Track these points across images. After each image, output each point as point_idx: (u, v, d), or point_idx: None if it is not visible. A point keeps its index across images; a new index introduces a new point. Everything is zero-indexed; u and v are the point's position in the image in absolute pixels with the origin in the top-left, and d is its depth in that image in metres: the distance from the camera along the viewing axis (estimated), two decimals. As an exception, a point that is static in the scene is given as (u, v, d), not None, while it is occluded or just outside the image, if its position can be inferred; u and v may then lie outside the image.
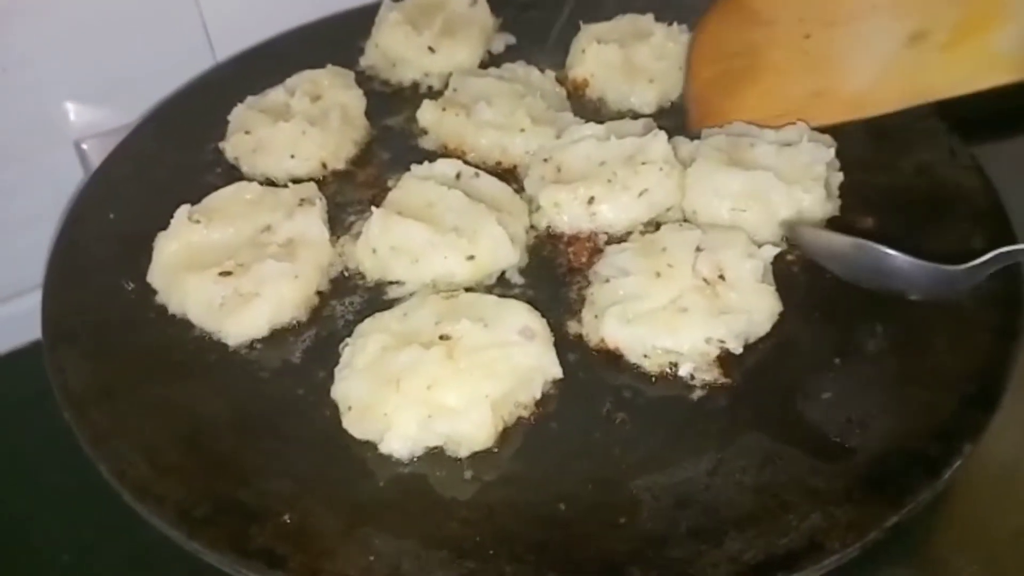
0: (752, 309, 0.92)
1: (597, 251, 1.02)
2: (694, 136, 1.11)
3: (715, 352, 0.91)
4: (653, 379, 0.91)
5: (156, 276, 0.99)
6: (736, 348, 0.91)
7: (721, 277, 0.94)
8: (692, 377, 0.90)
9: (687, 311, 0.91)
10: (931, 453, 0.82)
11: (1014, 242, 0.98)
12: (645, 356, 0.91)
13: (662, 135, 1.06)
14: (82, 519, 1.00)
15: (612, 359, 0.92)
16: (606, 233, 1.04)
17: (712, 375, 0.90)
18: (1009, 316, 0.93)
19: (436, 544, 0.78)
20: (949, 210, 1.05)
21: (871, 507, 0.78)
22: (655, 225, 1.03)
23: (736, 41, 1.15)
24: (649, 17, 1.28)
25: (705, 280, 0.93)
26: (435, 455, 0.85)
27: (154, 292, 1.00)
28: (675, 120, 1.17)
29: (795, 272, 1.00)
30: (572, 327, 0.96)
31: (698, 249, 0.95)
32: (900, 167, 1.10)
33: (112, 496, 0.83)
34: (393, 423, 0.84)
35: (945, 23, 1.06)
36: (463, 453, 0.84)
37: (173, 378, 0.93)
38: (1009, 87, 1.01)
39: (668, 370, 0.91)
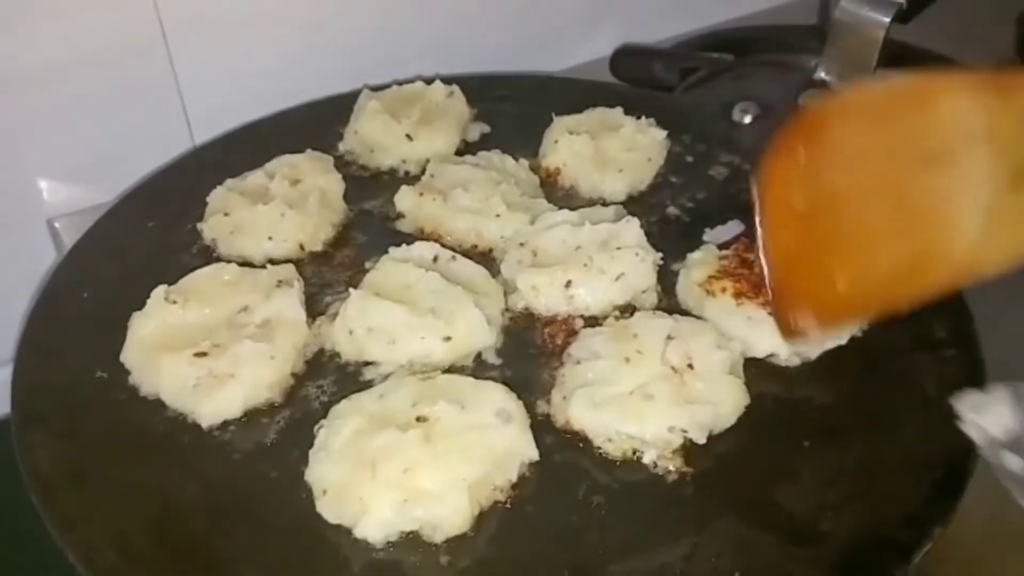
0: (718, 400, 0.93)
1: (572, 333, 1.04)
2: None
3: (678, 441, 0.91)
4: (617, 463, 0.91)
5: (130, 356, 0.99)
6: (699, 439, 0.91)
7: (690, 366, 0.95)
8: (655, 465, 0.90)
9: (652, 398, 0.92)
10: (902, 538, 0.83)
11: (975, 333, 1.02)
12: (609, 440, 0.92)
13: (635, 221, 1.10)
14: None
15: (577, 441, 0.93)
16: (582, 316, 1.06)
17: (675, 463, 0.90)
18: (972, 403, 0.96)
19: (411, 632, 0.77)
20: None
21: (845, 593, 0.79)
22: (631, 310, 1.05)
23: (813, 190, 0.88)
24: (618, 110, 1.33)
25: (673, 368, 0.94)
26: (410, 540, 0.84)
27: (127, 372, 0.99)
28: (643, 208, 1.20)
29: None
30: (543, 407, 0.97)
31: (669, 337, 0.96)
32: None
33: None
34: (369, 507, 0.83)
35: None
36: (439, 538, 0.84)
37: (145, 460, 0.91)
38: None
39: (631, 456, 0.91)
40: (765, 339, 1.02)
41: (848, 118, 0.89)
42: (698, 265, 1.12)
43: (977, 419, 0.87)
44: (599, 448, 0.92)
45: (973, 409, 0.89)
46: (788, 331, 0.92)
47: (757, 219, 0.90)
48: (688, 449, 0.91)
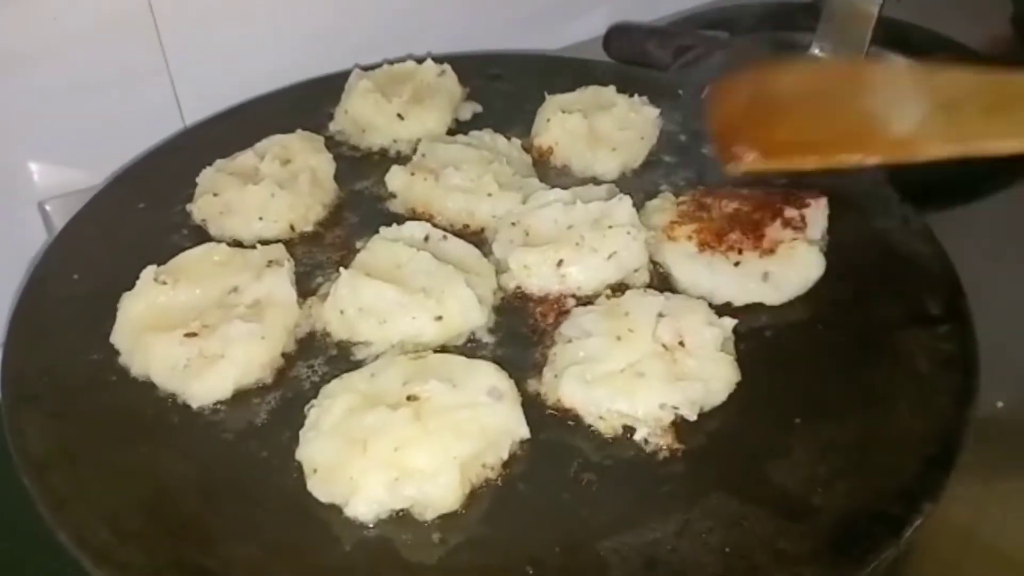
0: (709, 377, 0.93)
1: (564, 312, 1.04)
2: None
3: (669, 418, 0.91)
4: (609, 441, 0.91)
5: (120, 337, 0.98)
6: (690, 415, 0.91)
7: (681, 344, 0.95)
8: (646, 442, 0.90)
9: (644, 376, 0.92)
10: (893, 512, 0.83)
11: (968, 310, 1.02)
12: (600, 418, 0.92)
13: (627, 199, 1.09)
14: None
15: (569, 419, 0.93)
16: (574, 296, 1.05)
17: (666, 440, 0.90)
18: (965, 379, 0.96)
19: (403, 609, 0.77)
20: (902, 276, 1.09)
21: (836, 567, 0.79)
22: (623, 288, 1.05)
23: (755, 95, 1.06)
24: (611, 89, 1.32)
25: (664, 346, 0.94)
26: (401, 518, 0.84)
27: (117, 353, 0.99)
28: (636, 186, 1.20)
29: (764, 335, 1.02)
30: (535, 386, 0.96)
31: (660, 315, 0.96)
32: (854, 234, 1.13)
33: (72, 564, 0.81)
34: (359, 486, 0.83)
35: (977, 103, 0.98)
36: (430, 516, 0.84)
37: (135, 441, 0.91)
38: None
39: (622, 433, 0.91)
40: (725, 287, 1.05)
41: (784, 72, 1.09)
42: (656, 211, 1.14)
43: None
44: (590, 426, 0.92)
45: None
46: (728, 158, 0.98)
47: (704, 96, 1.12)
48: (679, 426, 0.91)
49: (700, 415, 0.92)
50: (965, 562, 0.90)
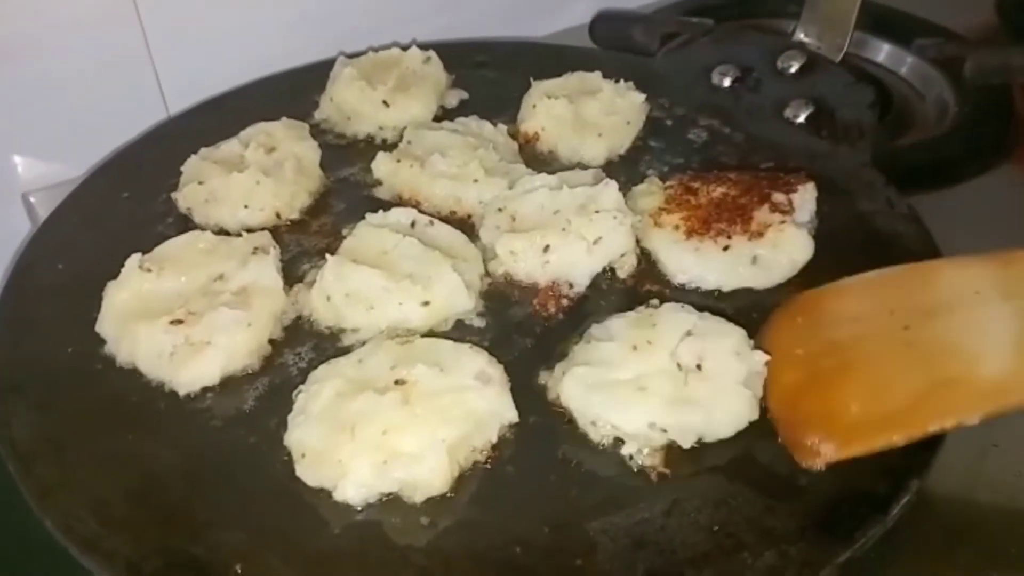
0: (717, 408, 0.88)
1: (562, 298, 1.04)
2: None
3: (661, 440, 0.87)
4: (597, 449, 0.88)
5: (105, 325, 0.98)
6: (683, 442, 0.87)
7: (699, 367, 0.90)
8: (631, 458, 0.87)
9: (645, 391, 0.88)
10: (879, 491, 0.83)
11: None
12: (592, 424, 0.89)
13: (613, 184, 1.09)
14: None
15: (565, 419, 0.91)
16: (568, 283, 1.05)
17: (653, 461, 0.87)
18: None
19: (392, 592, 0.77)
20: (888, 257, 1.09)
21: (824, 544, 0.79)
22: (610, 271, 1.06)
23: (815, 343, 0.93)
24: (597, 74, 1.32)
25: (679, 365, 0.90)
26: (390, 502, 0.84)
27: (103, 342, 0.98)
28: (622, 172, 1.20)
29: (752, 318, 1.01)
30: (525, 372, 0.96)
31: (688, 333, 0.91)
32: (839, 217, 1.13)
33: (60, 554, 0.81)
34: (348, 470, 0.83)
35: None
36: (419, 499, 0.84)
37: (122, 429, 0.91)
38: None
39: (611, 444, 0.88)
40: (714, 272, 1.04)
41: (843, 292, 0.98)
42: (643, 196, 1.13)
43: None
44: (582, 430, 0.90)
45: None
46: (806, 457, 0.86)
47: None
48: (672, 451, 0.87)
49: (701, 445, 0.87)
50: (953, 540, 0.91)
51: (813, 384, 0.91)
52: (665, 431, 0.87)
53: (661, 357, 0.90)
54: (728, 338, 0.92)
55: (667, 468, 0.86)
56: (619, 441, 0.89)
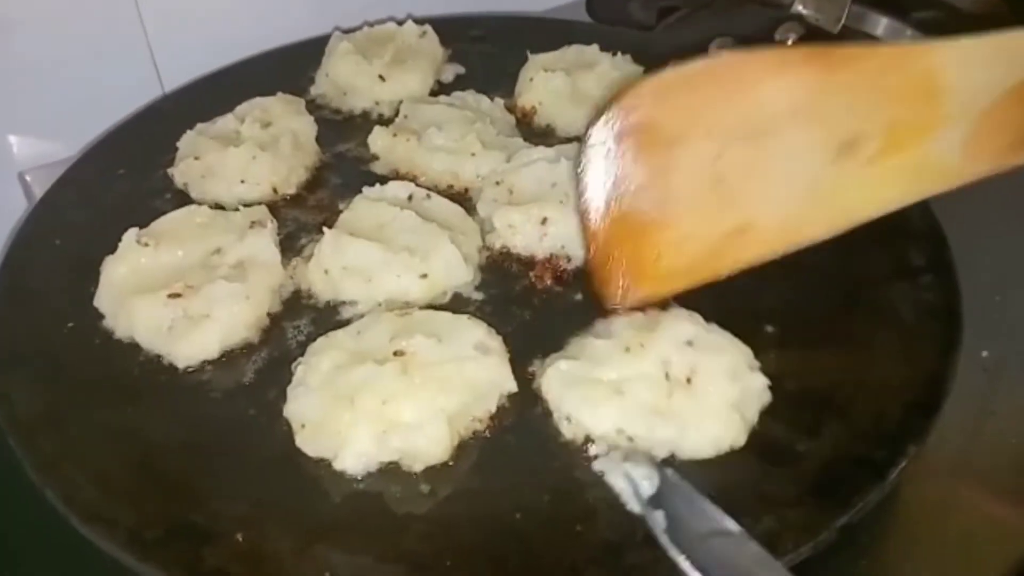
0: (692, 426, 0.84)
1: (560, 271, 1.04)
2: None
3: (628, 448, 0.84)
4: (565, 444, 0.86)
5: (104, 300, 0.98)
6: (655, 454, 0.84)
7: (688, 380, 0.86)
8: (596, 457, 0.84)
9: (621, 395, 0.85)
10: (877, 457, 0.84)
11: (951, 260, 1.03)
12: (567, 419, 0.87)
13: (610, 156, 1.09)
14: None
15: (545, 408, 0.89)
16: (567, 255, 1.05)
17: None
18: (948, 327, 0.96)
19: (393, 559, 0.77)
20: (886, 229, 1.08)
21: (822, 509, 0.80)
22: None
23: (636, 171, 0.87)
24: (594, 47, 1.32)
25: (667, 375, 0.86)
26: (390, 471, 0.84)
27: (101, 317, 0.98)
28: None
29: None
30: (523, 343, 0.95)
31: (689, 343, 0.87)
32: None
33: (61, 528, 0.81)
34: (348, 439, 0.83)
35: (878, 127, 0.88)
36: (418, 468, 0.84)
37: (121, 402, 0.91)
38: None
39: (581, 444, 0.86)
40: None
41: (665, 98, 0.86)
42: None
43: (630, 470, 0.81)
44: (556, 424, 0.88)
45: (619, 462, 0.83)
46: (612, 300, 0.90)
47: (576, 205, 0.90)
48: None
49: (679, 462, 0.84)
50: (950, 505, 0.91)
51: (627, 229, 0.89)
52: (632, 440, 0.84)
53: (650, 363, 0.86)
54: (726, 356, 0.87)
55: None
56: (589, 440, 0.86)
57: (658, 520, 0.76)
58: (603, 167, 0.86)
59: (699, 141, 0.87)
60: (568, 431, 0.87)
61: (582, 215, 0.88)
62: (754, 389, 0.86)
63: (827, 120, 0.88)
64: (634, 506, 0.79)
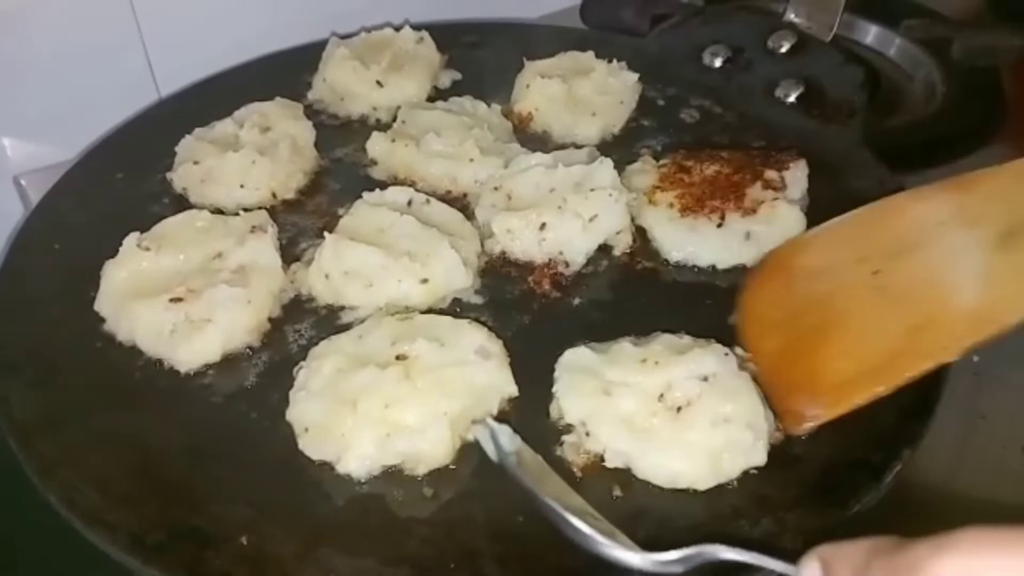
0: (652, 453, 0.83)
1: (558, 276, 1.05)
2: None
3: (589, 444, 0.86)
4: (545, 426, 0.88)
5: (104, 304, 0.98)
6: (608, 460, 0.85)
7: (679, 410, 0.85)
8: (562, 444, 0.86)
9: (608, 395, 0.86)
10: (873, 460, 0.85)
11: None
12: (554, 398, 0.90)
13: (608, 162, 1.10)
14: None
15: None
16: (564, 260, 1.06)
17: (577, 460, 0.85)
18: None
19: (396, 562, 0.78)
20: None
21: (819, 511, 0.81)
22: (607, 250, 1.07)
23: (791, 303, 0.93)
24: (590, 54, 1.33)
25: (662, 396, 0.86)
26: (393, 474, 0.85)
27: (102, 321, 0.98)
28: (616, 151, 1.20)
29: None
30: (523, 348, 0.96)
31: (704, 379, 0.86)
32: (831, 194, 1.14)
33: (63, 532, 0.81)
34: (350, 443, 0.84)
35: None
36: (421, 471, 0.85)
37: (123, 406, 0.91)
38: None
39: (559, 428, 0.88)
40: (708, 249, 1.06)
41: (811, 244, 1.00)
42: (637, 174, 1.14)
43: (494, 427, 0.83)
44: (547, 404, 0.90)
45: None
46: (794, 422, 0.87)
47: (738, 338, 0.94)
48: (598, 460, 0.85)
49: (640, 480, 0.84)
50: (944, 508, 0.93)
51: (793, 348, 0.91)
52: (588, 435, 0.85)
53: (654, 380, 0.86)
54: (732, 404, 0.84)
55: (583, 474, 0.85)
56: (567, 428, 0.88)
57: (512, 462, 0.80)
58: (759, 299, 0.97)
59: (852, 265, 0.94)
60: (554, 410, 0.89)
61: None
62: (743, 446, 0.83)
63: (978, 221, 0.89)
64: (491, 453, 0.81)
